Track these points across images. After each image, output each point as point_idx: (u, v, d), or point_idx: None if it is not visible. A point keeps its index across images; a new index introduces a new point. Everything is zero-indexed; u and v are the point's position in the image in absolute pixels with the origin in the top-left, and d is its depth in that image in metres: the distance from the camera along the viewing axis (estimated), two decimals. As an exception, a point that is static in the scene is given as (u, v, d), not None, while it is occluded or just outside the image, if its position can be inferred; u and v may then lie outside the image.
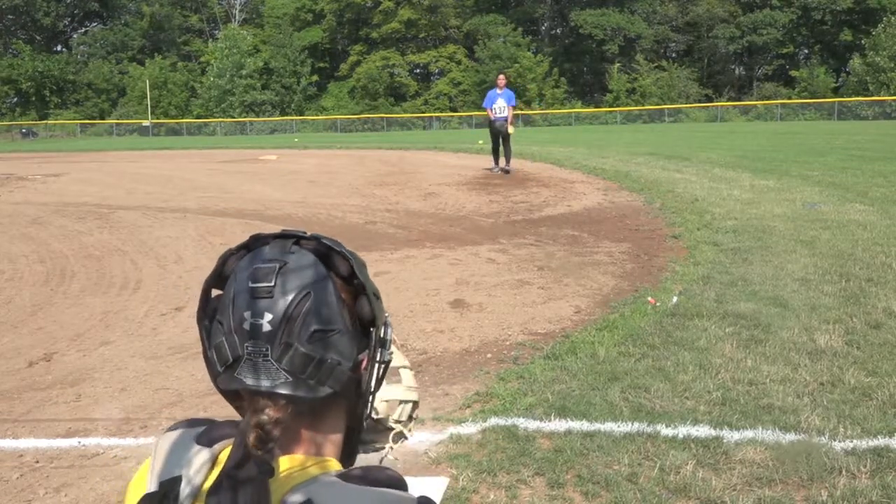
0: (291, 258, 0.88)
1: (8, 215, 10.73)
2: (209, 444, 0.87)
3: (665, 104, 46.74)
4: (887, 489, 2.64)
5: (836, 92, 45.45)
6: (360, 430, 0.98)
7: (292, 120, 51.42)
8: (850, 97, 41.88)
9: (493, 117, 13.68)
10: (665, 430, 3.13)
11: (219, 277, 0.90)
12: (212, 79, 52.26)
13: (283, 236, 0.91)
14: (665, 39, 54.11)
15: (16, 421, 3.68)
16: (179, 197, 12.42)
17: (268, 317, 0.84)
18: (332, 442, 0.93)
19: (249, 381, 0.85)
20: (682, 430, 3.12)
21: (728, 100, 48.25)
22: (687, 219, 8.27)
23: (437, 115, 49.59)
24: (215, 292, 0.90)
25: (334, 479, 0.85)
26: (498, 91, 13.71)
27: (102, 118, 53.55)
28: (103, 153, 27.75)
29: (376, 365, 0.95)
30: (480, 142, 22.44)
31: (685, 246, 7.01)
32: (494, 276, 6.27)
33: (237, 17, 60.88)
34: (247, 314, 0.85)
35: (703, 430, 3.12)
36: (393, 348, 1.05)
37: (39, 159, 24.41)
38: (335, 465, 0.90)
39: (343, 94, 55.09)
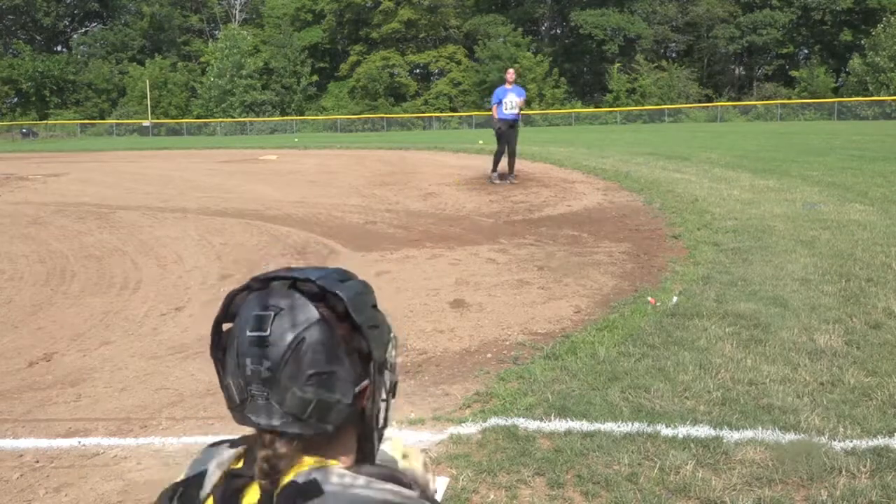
0: (286, 303, 0.92)
1: (8, 215, 10.73)
2: (234, 447, 0.96)
3: (665, 104, 46.74)
4: (887, 489, 2.64)
5: (836, 92, 45.46)
6: (373, 445, 1.02)
7: (292, 120, 51.41)
8: (850, 97, 41.88)
9: (502, 115, 12.40)
10: (665, 430, 3.13)
11: (226, 315, 0.95)
12: (212, 79, 52.26)
13: (280, 278, 0.96)
14: (665, 39, 54.10)
15: (16, 421, 3.68)
16: (179, 197, 12.42)
17: (266, 364, 0.90)
18: (348, 458, 0.98)
19: (258, 420, 0.91)
20: (682, 430, 3.12)
21: (728, 100, 48.27)
22: (687, 219, 8.26)
23: (437, 115, 49.58)
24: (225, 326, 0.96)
25: (343, 470, 0.91)
26: (507, 86, 12.54)
27: (102, 118, 53.55)
28: (103, 153, 27.75)
29: (382, 391, 1.00)
30: (480, 141, 22.42)
31: (685, 246, 7.01)
32: (494, 276, 6.27)
33: (237, 17, 60.87)
34: (248, 361, 0.91)
35: (703, 430, 3.12)
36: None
37: (39, 159, 24.41)
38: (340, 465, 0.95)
39: (343, 94, 55.08)
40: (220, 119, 51.37)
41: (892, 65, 41.64)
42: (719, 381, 3.66)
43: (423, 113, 50.69)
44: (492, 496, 2.73)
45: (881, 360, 3.87)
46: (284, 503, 0.87)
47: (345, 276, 1.01)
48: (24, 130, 48.82)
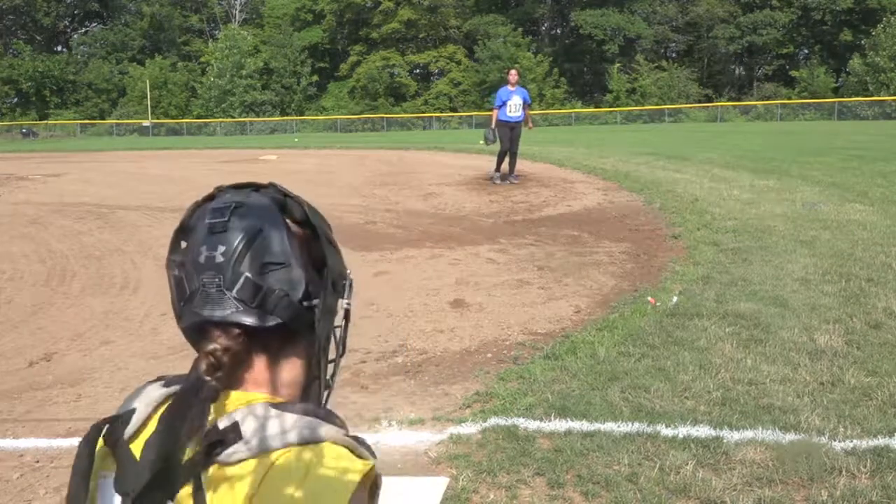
0: (248, 200, 0.96)
1: (8, 215, 10.73)
2: (167, 386, 0.94)
3: (665, 104, 46.74)
4: (887, 489, 2.64)
5: (836, 92, 45.46)
6: (323, 380, 1.03)
7: (292, 120, 51.41)
8: (850, 97, 41.88)
9: (505, 117, 12.25)
10: (665, 430, 3.13)
11: (185, 226, 0.96)
12: (212, 79, 52.26)
13: (243, 185, 0.99)
14: (665, 39, 54.11)
15: (16, 421, 3.68)
16: (179, 197, 12.43)
17: (220, 249, 0.91)
18: (289, 387, 0.97)
19: (204, 312, 0.91)
20: (682, 430, 3.12)
21: (728, 100, 48.28)
22: (687, 219, 8.26)
23: (437, 115, 49.59)
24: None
25: (266, 406, 0.90)
26: (510, 88, 12.38)
27: (102, 118, 53.55)
28: (103, 153, 27.75)
29: (335, 310, 1.01)
30: (480, 142, 22.41)
31: (685, 246, 7.01)
32: (494, 276, 6.27)
33: (237, 18, 60.87)
34: (203, 248, 0.92)
35: (703, 430, 3.12)
36: None
37: (39, 159, 24.41)
38: (278, 401, 0.93)
39: (343, 94, 55.10)
40: (220, 119, 51.37)
41: (892, 65, 41.65)
42: (719, 381, 3.66)
43: (423, 113, 50.69)
44: (492, 496, 2.73)
45: (881, 360, 3.87)
46: (205, 451, 0.86)
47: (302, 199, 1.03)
48: (24, 130, 48.82)
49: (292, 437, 0.88)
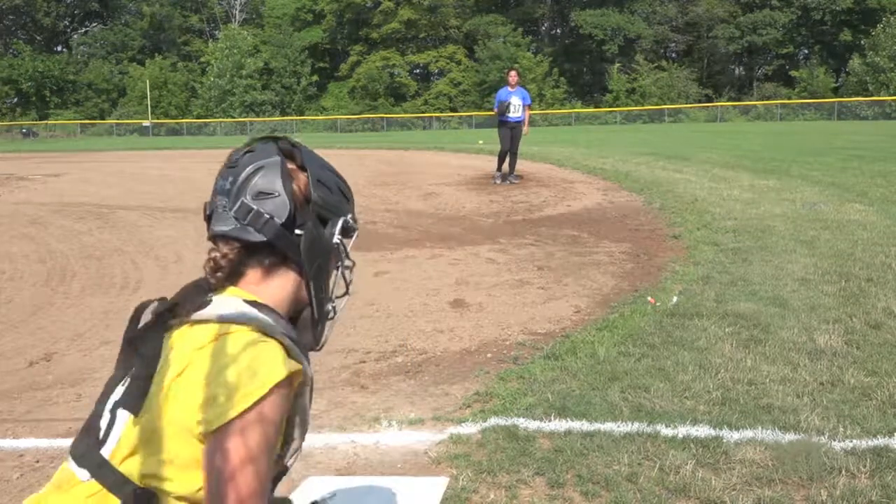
0: (259, 146, 1.26)
1: (8, 215, 10.73)
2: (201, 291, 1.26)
3: (665, 104, 46.75)
4: (887, 489, 2.64)
5: (835, 92, 45.47)
6: (314, 308, 1.27)
7: (292, 120, 51.40)
8: (849, 97, 41.89)
9: (506, 118, 12.28)
10: (665, 430, 3.13)
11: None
12: (212, 79, 52.26)
13: (265, 137, 1.29)
14: (665, 39, 54.13)
15: (16, 421, 3.68)
16: (179, 197, 12.42)
17: (230, 179, 1.23)
18: (274, 301, 1.21)
19: (215, 228, 1.23)
20: (682, 430, 3.12)
21: (728, 100, 48.28)
22: (687, 219, 8.26)
23: (437, 115, 49.60)
24: None
25: (242, 300, 1.17)
26: (510, 88, 12.38)
27: (102, 118, 53.56)
28: (103, 153, 27.75)
29: (328, 245, 1.27)
30: (480, 141, 22.41)
31: (685, 246, 7.01)
32: (494, 276, 6.27)
33: (237, 18, 60.86)
34: (220, 179, 1.25)
35: (702, 430, 3.12)
36: None
37: (39, 159, 24.41)
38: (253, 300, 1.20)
39: (343, 94, 55.10)
40: (220, 119, 51.35)
41: (891, 65, 41.65)
42: (719, 381, 3.66)
43: (423, 113, 50.70)
44: (492, 496, 2.73)
45: (881, 360, 3.87)
46: (185, 313, 1.17)
47: (325, 161, 1.33)
48: (24, 130, 48.81)
49: (247, 321, 1.13)
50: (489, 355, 4.32)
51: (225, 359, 1.09)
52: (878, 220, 7.77)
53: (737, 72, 56.20)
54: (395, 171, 15.44)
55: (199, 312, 1.15)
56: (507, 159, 12.53)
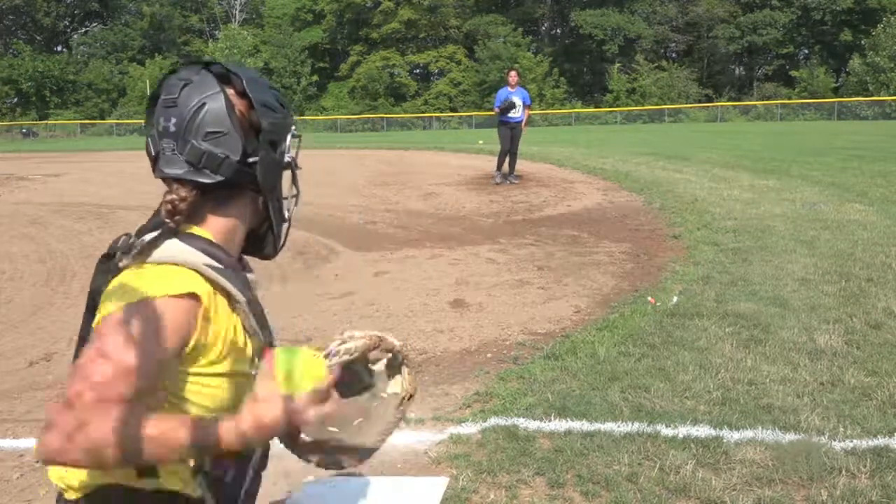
0: (196, 77, 1.18)
1: (8, 215, 10.73)
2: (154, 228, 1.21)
3: (665, 104, 46.72)
4: (887, 489, 2.64)
5: (836, 92, 45.44)
6: (273, 222, 1.28)
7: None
8: (850, 97, 41.87)
9: (506, 118, 12.23)
10: (665, 430, 3.13)
11: (153, 96, 1.21)
12: (212, 79, 52.21)
13: (195, 62, 1.22)
14: (665, 39, 54.10)
15: (16, 421, 3.68)
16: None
17: (173, 120, 1.16)
18: (232, 225, 1.23)
19: (166, 170, 1.18)
20: (682, 430, 3.12)
21: (728, 100, 48.25)
22: (687, 219, 8.26)
23: (437, 115, 49.57)
24: None
25: (174, 240, 1.16)
26: (510, 89, 12.31)
27: (102, 118, 53.53)
28: (103, 153, 27.75)
29: (280, 163, 1.25)
30: (480, 141, 22.41)
31: (685, 246, 7.01)
32: (494, 276, 6.27)
33: (237, 18, 60.85)
34: (161, 119, 1.17)
35: (703, 430, 3.12)
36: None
37: (39, 159, 24.41)
38: (203, 234, 1.21)
39: (343, 94, 55.06)
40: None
41: (892, 65, 41.63)
42: (719, 381, 3.66)
43: (423, 113, 50.67)
44: (492, 496, 2.73)
45: (881, 360, 3.87)
46: (100, 262, 1.19)
47: (253, 72, 1.26)
48: (24, 130, 48.77)
49: (163, 257, 1.14)
50: (489, 355, 4.32)
51: (127, 279, 1.12)
52: (878, 220, 7.77)
53: (737, 72, 56.18)
54: (395, 171, 15.44)
55: (121, 257, 1.15)
56: (507, 159, 12.52)
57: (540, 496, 2.71)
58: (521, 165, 13.37)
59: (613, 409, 3.38)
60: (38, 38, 57.85)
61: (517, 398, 3.57)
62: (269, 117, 1.22)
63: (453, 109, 51.43)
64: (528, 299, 5.51)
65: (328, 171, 16.12)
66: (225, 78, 1.20)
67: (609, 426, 3.20)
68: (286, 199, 1.32)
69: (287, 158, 1.28)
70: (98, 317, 1.09)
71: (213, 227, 1.21)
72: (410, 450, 3.14)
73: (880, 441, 2.99)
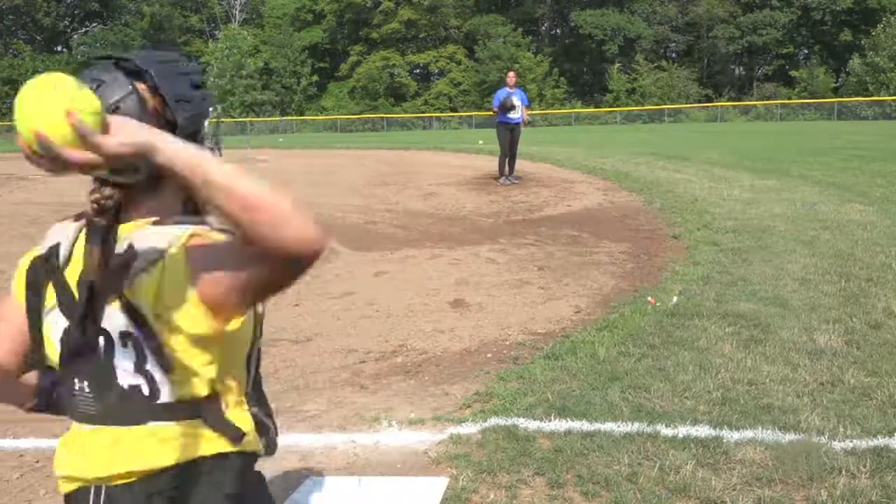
0: (108, 77, 1.16)
1: (8, 215, 10.73)
2: (77, 220, 1.22)
3: (665, 104, 46.72)
4: (887, 489, 2.64)
5: (835, 92, 45.43)
6: (200, 199, 1.21)
7: (292, 120, 51.41)
8: (850, 97, 41.87)
9: (504, 118, 12.21)
10: (665, 430, 3.13)
11: None
12: (212, 79, 52.21)
13: (105, 58, 1.19)
14: (665, 39, 54.11)
15: (16, 421, 3.67)
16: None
17: None
18: (167, 209, 1.22)
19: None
20: (682, 430, 3.12)
21: (728, 100, 48.24)
22: (687, 219, 8.26)
23: (437, 115, 49.57)
24: None
25: (150, 225, 1.17)
26: (509, 89, 12.25)
27: (102, 118, 53.50)
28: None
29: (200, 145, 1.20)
30: (480, 141, 22.42)
31: (685, 246, 7.01)
32: (494, 276, 6.27)
33: (237, 18, 60.84)
34: None
35: (703, 430, 3.12)
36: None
37: (39, 159, 24.38)
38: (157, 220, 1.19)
39: (343, 94, 55.05)
40: (221, 119, 51.33)
41: (892, 65, 41.61)
42: (719, 381, 3.66)
43: (423, 113, 50.67)
44: (492, 496, 2.73)
45: (881, 360, 3.87)
46: (115, 276, 1.14)
47: (165, 58, 1.23)
48: (24, 130, 48.76)
49: (165, 240, 1.15)
50: (489, 355, 4.32)
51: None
52: (878, 220, 7.77)
53: (737, 72, 56.18)
54: (395, 172, 15.44)
55: (132, 272, 1.17)
56: (512, 160, 12.53)
57: (540, 496, 2.71)
58: (521, 165, 13.37)
59: (613, 409, 3.38)
60: (38, 38, 57.86)
61: (517, 398, 3.57)
62: (184, 111, 1.21)
63: (453, 109, 51.43)
64: (528, 299, 5.51)
65: (328, 171, 16.13)
66: (136, 74, 1.18)
67: (609, 426, 3.20)
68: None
69: (207, 146, 1.26)
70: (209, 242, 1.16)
71: (159, 215, 1.22)
72: (410, 450, 3.14)
73: (880, 441, 2.99)
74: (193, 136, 1.22)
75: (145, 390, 1.16)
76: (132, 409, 1.17)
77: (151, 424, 1.17)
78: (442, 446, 3.14)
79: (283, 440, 3.45)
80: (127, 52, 1.21)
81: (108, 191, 1.15)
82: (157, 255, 1.14)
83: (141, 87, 1.17)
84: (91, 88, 1.09)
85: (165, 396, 1.17)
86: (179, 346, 1.15)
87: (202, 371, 1.18)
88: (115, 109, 1.13)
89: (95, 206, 1.15)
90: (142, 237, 1.16)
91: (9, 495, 2.95)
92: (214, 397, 1.21)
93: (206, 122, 1.27)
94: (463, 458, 3.00)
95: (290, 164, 18.84)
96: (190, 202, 1.25)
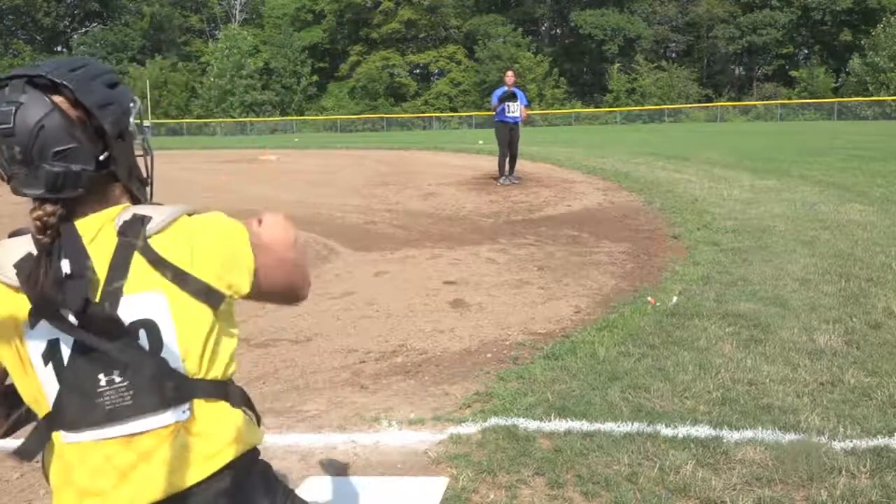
0: (25, 98, 1.13)
1: (8, 215, 10.70)
2: (20, 235, 1.20)
3: (665, 104, 46.74)
4: (887, 489, 2.64)
5: (835, 92, 45.45)
6: (145, 195, 1.32)
7: (292, 120, 51.41)
8: (849, 97, 41.88)
9: (503, 117, 12.20)
10: (665, 430, 3.13)
11: None
12: (212, 79, 52.27)
13: (17, 76, 1.15)
14: (665, 39, 54.13)
15: (16, 421, 3.67)
16: (180, 197, 12.37)
17: (16, 149, 1.12)
18: (118, 204, 1.23)
19: (26, 191, 1.15)
20: (682, 430, 3.12)
21: (728, 100, 48.27)
22: (687, 219, 8.26)
23: (437, 115, 49.59)
24: None
25: (132, 207, 1.22)
26: (507, 89, 12.26)
27: (102, 118, 53.46)
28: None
29: (131, 143, 1.25)
30: (480, 141, 22.42)
31: (685, 246, 7.01)
32: (494, 276, 6.27)
33: (237, 18, 60.87)
34: (3, 147, 1.13)
35: (703, 430, 3.12)
36: None
37: (39, 159, 24.36)
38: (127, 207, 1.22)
39: (343, 94, 55.08)
40: (221, 119, 51.35)
41: (891, 65, 41.65)
42: (719, 381, 3.66)
43: (423, 113, 50.70)
44: (492, 496, 2.73)
45: (881, 360, 3.87)
46: (126, 231, 1.17)
47: (75, 65, 1.19)
48: (24, 130, 48.79)
49: (174, 212, 1.23)
50: (489, 355, 4.32)
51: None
52: (878, 220, 7.77)
53: (737, 72, 56.19)
54: (395, 172, 15.44)
55: (151, 225, 1.21)
56: (507, 161, 12.50)
57: (540, 496, 2.71)
58: (521, 165, 13.37)
59: (613, 409, 3.38)
60: (38, 38, 57.86)
61: (517, 398, 3.57)
62: (108, 115, 1.18)
63: (453, 109, 51.45)
64: (528, 299, 5.51)
65: (328, 171, 16.13)
66: (53, 89, 1.14)
67: (609, 426, 3.20)
68: (139, 156, 1.31)
69: (137, 141, 1.27)
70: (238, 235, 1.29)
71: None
72: (410, 450, 3.14)
73: (880, 441, 2.99)
74: (121, 136, 1.22)
75: (175, 365, 1.18)
76: (167, 388, 1.17)
77: (183, 406, 1.18)
78: (442, 446, 3.14)
79: (283, 440, 3.46)
80: (34, 67, 1.17)
81: (49, 207, 1.14)
82: (175, 220, 1.23)
83: (59, 100, 1.14)
84: (11, 116, 1.11)
85: (193, 372, 1.20)
86: (190, 326, 1.19)
87: (211, 351, 1.21)
88: (39, 129, 1.11)
89: (38, 223, 1.14)
90: (139, 212, 1.21)
91: (9, 495, 2.95)
92: (230, 381, 1.26)
93: (132, 119, 1.25)
94: (463, 458, 3.00)
95: (294, 163, 18.84)
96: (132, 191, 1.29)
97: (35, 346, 1.16)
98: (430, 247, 7.67)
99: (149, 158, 1.34)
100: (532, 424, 3.26)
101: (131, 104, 1.26)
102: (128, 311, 1.15)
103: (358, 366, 4.24)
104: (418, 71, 56.95)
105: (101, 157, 1.17)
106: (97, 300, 1.14)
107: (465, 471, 2.89)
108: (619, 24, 50.79)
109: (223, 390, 1.23)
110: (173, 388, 1.17)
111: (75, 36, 60.41)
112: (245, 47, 52.45)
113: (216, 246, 1.24)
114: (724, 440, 3.03)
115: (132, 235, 1.17)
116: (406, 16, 52.40)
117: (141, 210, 1.21)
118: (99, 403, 1.16)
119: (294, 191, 12.88)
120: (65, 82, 1.14)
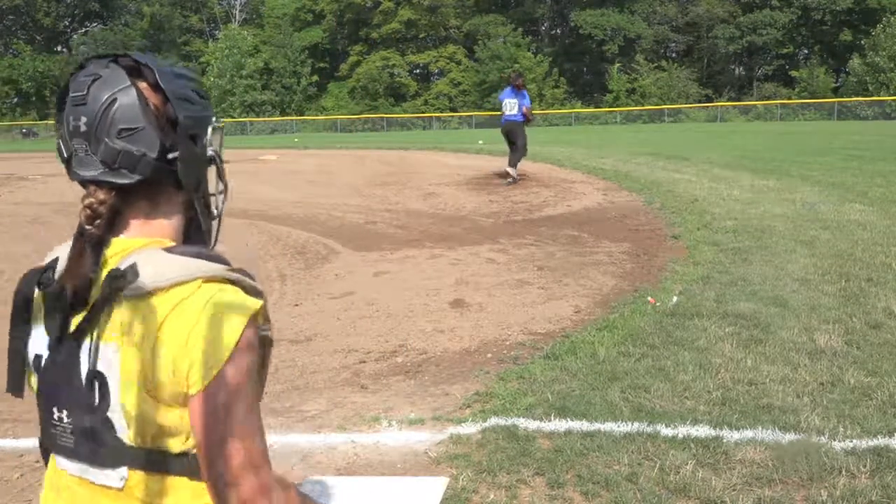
0: (105, 72, 1.10)
1: (8, 215, 10.73)
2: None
3: (665, 104, 46.73)
4: (887, 489, 2.64)
5: (835, 92, 45.44)
6: (200, 220, 1.21)
7: (292, 120, 51.41)
8: (849, 97, 41.88)
9: (503, 117, 12.50)
10: (665, 430, 3.13)
11: (60, 97, 1.12)
12: (212, 79, 52.23)
13: (103, 56, 1.12)
14: (665, 39, 54.12)
15: (16, 420, 3.68)
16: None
17: (83, 119, 1.08)
18: (168, 227, 1.15)
19: (81, 173, 1.10)
20: (682, 430, 3.12)
21: (728, 100, 48.25)
22: (687, 219, 8.26)
23: (437, 115, 49.57)
24: None
25: (158, 250, 1.09)
26: (509, 89, 12.58)
27: (102, 118, 53.50)
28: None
29: (202, 157, 1.17)
30: (480, 141, 22.43)
31: (685, 246, 7.01)
32: (494, 276, 6.27)
33: (237, 18, 60.87)
34: (70, 118, 1.09)
35: (703, 430, 3.12)
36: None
37: (39, 159, 24.39)
38: (167, 244, 1.12)
39: (343, 94, 55.07)
40: (221, 119, 51.33)
41: (891, 65, 41.63)
42: (719, 381, 3.66)
43: (423, 113, 50.68)
44: (492, 496, 2.73)
45: (881, 360, 3.87)
46: (109, 286, 1.05)
47: (166, 61, 1.16)
48: (24, 130, 48.81)
49: (186, 273, 1.06)
50: (489, 355, 4.32)
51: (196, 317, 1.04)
52: (878, 220, 7.77)
53: (737, 72, 56.18)
54: (395, 172, 15.44)
55: (133, 287, 1.04)
56: (510, 156, 12.57)
57: (540, 496, 2.71)
58: (522, 165, 13.36)
59: (613, 409, 3.38)
60: (38, 38, 57.86)
61: (517, 398, 3.57)
62: (185, 110, 1.13)
63: (453, 109, 51.44)
64: (528, 299, 5.51)
65: (328, 171, 16.13)
66: (136, 71, 1.11)
67: (609, 426, 3.20)
68: (213, 195, 1.23)
69: (210, 152, 1.19)
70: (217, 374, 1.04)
71: (154, 231, 1.13)
72: (410, 450, 3.14)
73: (880, 441, 2.99)
74: (194, 138, 1.15)
75: (116, 427, 1.06)
76: (101, 448, 1.07)
77: (119, 471, 1.07)
78: (442, 446, 3.14)
79: (283, 440, 3.46)
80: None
81: (102, 195, 1.08)
82: (167, 285, 1.04)
83: (141, 84, 1.10)
84: (86, 86, 1.08)
85: (130, 440, 1.06)
86: (131, 393, 1.05)
87: (168, 426, 1.06)
88: (111, 102, 1.07)
89: (89, 211, 1.08)
90: (149, 260, 1.06)
91: (9, 495, 2.95)
92: (178, 454, 1.08)
93: (210, 129, 1.19)
94: (463, 458, 3.00)
95: (294, 163, 18.84)
96: (193, 220, 1.20)
97: (31, 348, 1.15)
98: (430, 247, 7.67)
99: (221, 196, 1.24)
100: (532, 424, 3.27)
101: (215, 120, 1.20)
102: (88, 357, 1.07)
103: (358, 366, 4.24)
104: (418, 71, 56.94)
105: (169, 154, 1.11)
106: (70, 331, 1.08)
107: (465, 471, 2.89)
108: (619, 24, 50.79)
109: (163, 464, 1.07)
110: (108, 450, 1.07)
111: (75, 36, 60.43)
112: (245, 47, 52.45)
113: (193, 345, 1.04)
114: (724, 440, 3.03)
115: (127, 281, 1.04)
116: (406, 16, 52.39)
117: (157, 257, 1.07)
118: (54, 434, 1.13)
119: (294, 191, 12.88)
120: (148, 63, 1.11)
